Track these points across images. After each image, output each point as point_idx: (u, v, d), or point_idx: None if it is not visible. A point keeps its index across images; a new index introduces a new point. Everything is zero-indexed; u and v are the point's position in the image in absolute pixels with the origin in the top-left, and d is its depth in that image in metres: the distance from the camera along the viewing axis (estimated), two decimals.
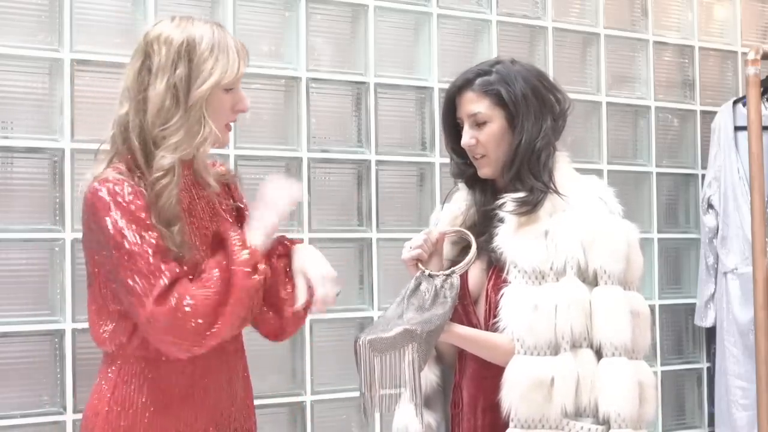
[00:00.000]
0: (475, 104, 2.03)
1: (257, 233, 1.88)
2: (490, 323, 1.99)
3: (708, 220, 3.77)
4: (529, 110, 2.01)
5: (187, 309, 1.74)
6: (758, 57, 3.42)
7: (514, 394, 1.88)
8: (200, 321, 1.75)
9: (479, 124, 2.03)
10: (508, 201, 1.99)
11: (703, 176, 3.83)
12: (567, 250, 1.92)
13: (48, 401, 2.64)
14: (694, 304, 3.81)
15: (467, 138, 2.04)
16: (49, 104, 2.71)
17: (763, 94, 3.52)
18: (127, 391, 1.86)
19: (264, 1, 3.06)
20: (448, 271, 2.00)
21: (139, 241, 1.76)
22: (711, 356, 3.82)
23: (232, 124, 1.96)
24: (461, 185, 2.14)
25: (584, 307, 1.91)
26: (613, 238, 1.95)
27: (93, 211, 1.80)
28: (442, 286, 1.97)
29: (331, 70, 3.15)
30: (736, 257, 3.67)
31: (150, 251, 1.76)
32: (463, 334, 1.98)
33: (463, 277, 2.03)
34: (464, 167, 2.12)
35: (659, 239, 3.74)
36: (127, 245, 1.76)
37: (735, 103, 3.75)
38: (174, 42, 1.82)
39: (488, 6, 3.41)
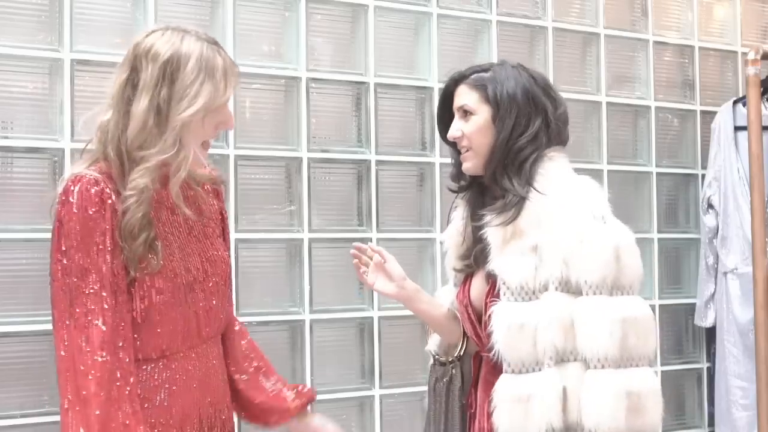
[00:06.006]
0: (465, 96, 2.05)
1: None
2: (484, 336, 2.01)
3: (708, 220, 3.77)
4: (512, 109, 1.99)
5: None
6: (758, 57, 3.42)
7: (499, 410, 1.91)
8: None
9: (466, 117, 2.04)
10: (488, 215, 1.98)
11: (703, 176, 3.83)
12: (550, 265, 1.90)
13: (48, 401, 2.63)
14: (694, 304, 3.81)
15: (453, 129, 2.05)
16: (49, 104, 2.71)
17: (763, 94, 3.52)
18: None
19: (264, 1, 3.06)
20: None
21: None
22: (711, 356, 3.82)
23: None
24: (459, 201, 2.14)
25: (564, 322, 1.88)
26: (594, 246, 1.88)
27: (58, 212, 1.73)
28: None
29: (331, 70, 3.15)
30: (736, 257, 3.67)
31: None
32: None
33: (466, 288, 2.07)
34: (461, 172, 2.11)
35: (659, 239, 3.74)
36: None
37: (735, 103, 3.75)
38: (159, 59, 1.75)
39: (488, 6, 3.41)
